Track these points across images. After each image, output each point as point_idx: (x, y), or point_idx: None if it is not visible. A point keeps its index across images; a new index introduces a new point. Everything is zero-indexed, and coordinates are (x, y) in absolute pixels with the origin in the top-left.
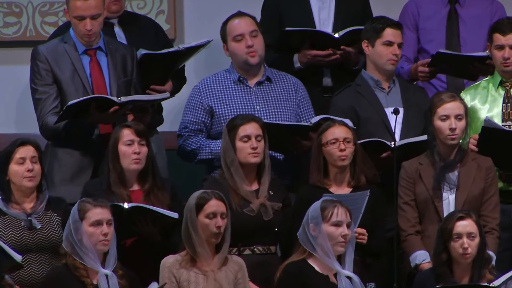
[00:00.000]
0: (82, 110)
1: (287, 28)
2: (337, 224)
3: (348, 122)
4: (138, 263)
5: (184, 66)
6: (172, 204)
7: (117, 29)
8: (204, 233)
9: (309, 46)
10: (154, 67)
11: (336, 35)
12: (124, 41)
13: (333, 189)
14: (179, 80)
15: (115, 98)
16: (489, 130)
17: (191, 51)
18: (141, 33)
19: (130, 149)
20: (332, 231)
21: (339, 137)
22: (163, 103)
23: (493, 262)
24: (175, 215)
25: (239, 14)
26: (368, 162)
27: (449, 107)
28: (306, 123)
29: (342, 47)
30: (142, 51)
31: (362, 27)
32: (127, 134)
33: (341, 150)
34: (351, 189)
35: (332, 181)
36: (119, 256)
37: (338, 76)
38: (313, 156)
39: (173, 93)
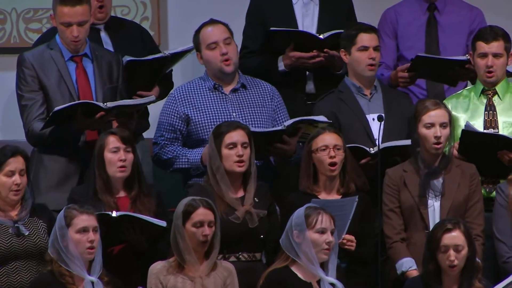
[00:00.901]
0: (68, 116)
1: (272, 28)
2: (322, 231)
3: (323, 118)
4: (125, 270)
5: (172, 71)
6: (158, 211)
7: (103, 35)
8: (191, 241)
9: (293, 49)
10: (140, 73)
11: (321, 36)
12: (110, 47)
13: (323, 196)
14: (166, 86)
15: (101, 104)
16: (468, 134)
17: (176, 56)
18: (127, 38)
19: (115, 157)
20: (317, 238)
21: (329, 144)
22: (149, 109)
23: None
24: (163, 223)
25: (212, 21)
26: (357, 170)
27: (434, 115)
28: (280, 127)
29: (325, 49)
30: (127, 58)
31: None
32: (112, 141)
33: (331, 157)
34: (340, 196)
35: (322, 188)
36: (107, 263)
37: (321, 83)
38: (303, 163)
39: (160, 98)
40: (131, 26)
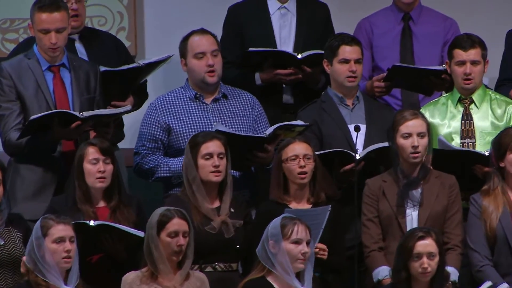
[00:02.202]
0: (45, 125)
1: (250, 49)
2: (297, 242)
3: (301, 122)
4: (103, 279)
5: (146, 81)
6: (138, 221)
7: (78, 45)
8: (165, 251)
9: (271, 64)
10: (114, 83)
11: (299, 56)
12: (85, 57)
13: (293, 205)
14: (141, 95)
15: (77, 113)
16: (441, 151)
17: (151, 66)
18: (102, 48)
19: (94, 168)
20: (292, 248)
21: (299, 153)
22: (124, 119)
23: (456, 279)
24: (140, 233)
25: (202, 31)
26: (328, 179)
27: (411, 125)
28: (262, 135)
29: (302, 66)
30: (102, 68)
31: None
32: (92, 152)
33: (301, 167)
34: (310, 206)
35: (292, 198)
36: (85, 272)
37: (299, 93)
38: (273, 172)
39: (135, 108)
40: (106, 37)
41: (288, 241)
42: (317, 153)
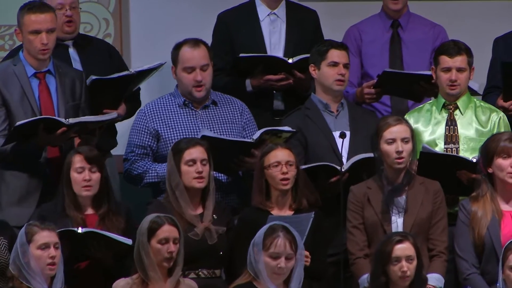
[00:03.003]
0: (30, 132)
1: (241, 55)
2: (274, 256)
3: (288, 128)
4: (91, 286)
5: (139, 89)
6: (126, 229)
7: (72, 51)
8: (156, 257)
9: (262, 70)
10: (106, 91)
11: (290, 61)
12: (78, 63)
13: (275, 212)
14: (134, 103)
15: (63, 119)
16: (427, 156)
17: (143, 74)
18: (96, 55)
19: (80, 176)
20: (268, 262)
21: (281, 160)
22: (117, 127)
23: (442, 286)
24: (128, 241)
25: (194, 43)
26: (310, 186)
27: (395, 131)
28: (248, 140)
29: (293, 70)
30: (93, 77)
31: None
32: (78, 160)
33: (283, 173)
34: (292, 212)
35: (274, 204)
36: (73, 279)
37: (290, 99)
38: (255, 179)
39: (128, 116)
40: (100, 44)
41: (266, 253)
42: (302, 167)
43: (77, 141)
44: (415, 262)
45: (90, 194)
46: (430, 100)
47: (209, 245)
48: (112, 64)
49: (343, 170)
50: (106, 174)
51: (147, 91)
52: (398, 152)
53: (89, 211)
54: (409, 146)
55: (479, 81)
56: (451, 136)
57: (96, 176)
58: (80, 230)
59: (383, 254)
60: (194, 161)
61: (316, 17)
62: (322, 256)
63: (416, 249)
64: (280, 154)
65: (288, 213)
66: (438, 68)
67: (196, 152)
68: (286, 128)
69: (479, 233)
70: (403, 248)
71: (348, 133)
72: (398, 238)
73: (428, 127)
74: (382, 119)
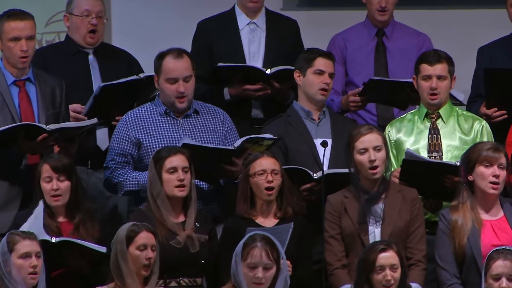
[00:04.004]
0: (10, 139)
1: (219, 64)
2: (251, 267)
3: (269, 135)
4: None
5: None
6: (101, 237)
7: (91, 58)
8: (134, 265)
9: (240, 80)
10: (117, 98)
11: (268, 71)
12: (97, 71)
13: (260, 220)
14: None
15: (44, 126)
16: (409, 163)
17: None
18: (115, 64)
19: (48, 186)
20: (246, 272)
21: (267, 168)
22: None
23: None
24: (103, 249)
25: (178, 54)
26: (295, 194)
27: (367, 140)
28: (229, 147)
29: (271, 80)
30: (101, 84)
31: (293, 67)
32: (45, 170)
33: (268, 182)
34: (277, 220)
35: (259, 212)
36: (50, 287)
37: (269, 108)
38: (240, 187)
39: None
40: (120, 53)
41: (244, 264)
42: None
43: (56, 149)
44: (399, 271)
45: (60, 203)
46: (414, 109)
47: (191, 253)
48: (131, 74)
49: (315, 177)
50: (77, 182)
51: None
52: (371, 161)
53: (63, 219)
54: (381, 154)
55: (463, 90)
56: (434, 145)
57: (65, 185)
58: (54, 239)
59: (366, 263)
60: (175, 169)
61: (296, 26)
62: (306, 264)
63: (400, 258)
64: (266, 163)
65: (273, 221)
66: (419, 76)
67: (178, 160)
68: (268, 135)
69: (459, 243)
70: (387, 257)
71: (329, 141)
72: (382, 247)
73: (411, 136)
74: (354, 129)
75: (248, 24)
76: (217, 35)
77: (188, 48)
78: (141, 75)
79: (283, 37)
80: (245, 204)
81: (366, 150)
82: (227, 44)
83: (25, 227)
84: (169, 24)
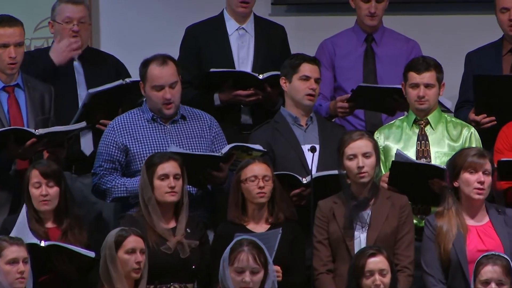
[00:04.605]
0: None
1: (211, 70)
2: (238, 271)
3: (259, 147)
4: None
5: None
6: (90, 242)
7: (77, 64)
8: (123, 269)
9: (231, 85)
10: (102, 102)
11: (260, 76)
12: (82, 77)
13: (251, 226)
14: None
15: (32, 130)
16: (398, 164)
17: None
18: (101, 69)
19: (37, 191)
20: (233, 277)
21: (258, 174)
22: None
23: None
24: (91, 254)
25: (163, 60)
26: (286, 200)
27: (356, 146)
28: (217, 154)
29: (264, 84)
30: (89, 91)
31: None
32: (34, 175)
33: (260, 188)
34: (269, 226)
35: (250, 218)
36: None
37: (258, 114)
38: (231, 192)
39: None
40: (108, 59)
41: (232, 268)
42: None
43: (46, 154)
44: (389, 276)
45: (49, 208)
46: (402, 116)
47: (181, 259)
48: (119, 79)
49: (304, 182)
50: (66, 187)
51: None
52: (359, 168)
53: (51, 224)
54: (371, 161)
55: (451, 95)
56: (423, 151)
57: (54, 190)
58: (43, 243)
59: (356, 268)
60: (167, 176)
61: (284, 32)
62: (299, 269)
63: (389, 263)
64: (257, 168)
65: (264, 227)
66: (407, 84)
67: (169, 167)
68: (258, 146)
69: (445, 248)
70: (376, 262)
71: (317, 147)
72: (371, 252)
73: (399, 143)
74: (344, 135)
75: (237, 29)
76: (205, 40)
77: (177, 53)
78: (127, 80)
79: (271, 43)
80: (236, 210)
81: (355, 156)
82: (216, 50)
83: (13, 234)
84: (158, 29)
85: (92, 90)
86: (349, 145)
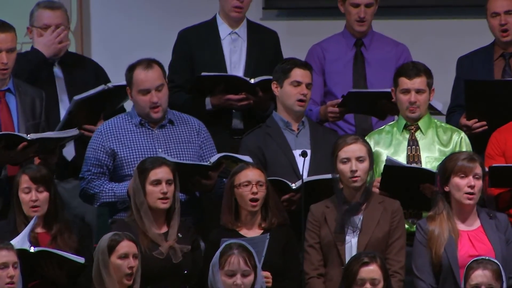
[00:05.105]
0: None
1: (203, 74)
2: (229, 274)
3: (248, 159)
4: None
5: (123, 107)
6: (79, 247)
7: (56, 69)
8: (116, 274)
9: (222, 89)
10: (85, 108)
11: (252, 81)
12: (62, 81)
13: (244, 232)
14: None
15: (24, 135)
16: (391, 169)
17: (122, 90)
18: (81, 74)
19: (27, 197)
20: (225, 280)
21: (252, 180)
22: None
23: None
24: (81, 259)
25: (148, 64)
26: (279, 205)
27: (350, 150)
28: (205, 163)
29: (256, 88)
30: (75, 98)
31: None
32: (24, 181)
33: (253, 193)
34: (262, 231)
35: (243, 223)
36: None
37: (249, 118)
38: (225, 197)
39: None
40: (88, 63)
41: (222, 272)
42: None
43: (37, 161)
44: (380, 285)
45: (39, 213)
46: (392, 120)
47: (173, 264)
48: (98, 84)
49: (294, 187)
50: (55, 193)
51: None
52: (352, 172)
53: (41, 229)
54: (364, 165)
55: (442, 100)
56: (413, 156)
57: (44, 196)
58: (32, 249)
59: (349, 274)
60: (159, 182)
61: (277, 37)
62: (292, 274)
63: (383, 271)
64: (251, 174)
65: (257, 232)
66: (397, 89)
67: (162, 173)
68: (246, 158)
69: (436, 253)
70: (369, 271)
71: (308, 152)
72: (366, 260)
73: (389, 148)
74: (339, 138)
75: (229, 34)
76: (198, 45)
77: (168, 58)
78: (109, 84)
79: (263, 48)
80: (229, 215)
81: (348, 159)
82: (209, 54)
83: (17, 238)
84: (149, 34)
85: (77, 97)
86: (343, 149)
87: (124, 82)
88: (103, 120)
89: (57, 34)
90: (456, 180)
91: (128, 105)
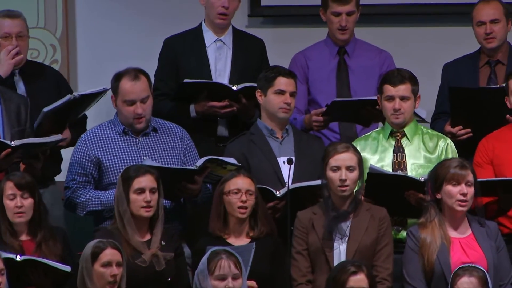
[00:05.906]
0: None
1: (185, 80)
2: (221, 278)
3: (233, 161)
4: None
5: (86, 117)
6: (64, 255)
7: (17, 78)
8: (99, 282)
9: (206, 96)
10: (52, 117)
11: (235, 88)
12: (23, 91)
13: (231, 240)
14: (79, 129)
15: (8, 142)
16: (374, 176)
17: (87, 99)
18: (43, 84)
19: (12, 203)
20: (216, 284)
21: (241, 188)
22: (62, 153)
23: None
24: (67, 268)
25: (135, 75)
26: (268, 215)
27: (341, 158)
28: (191, 167)
29: (239, 95)
30: (44, 110)
31: None
32: (9, 187)
33: (242, 201)
34: (249, 240)
35: (231, 231)
36: None
37: (234, 126)
38: (214, 204)
39: (73, 142)
40: (48, 72)
41: (212, 277)
42: None
43: (22, 166)
44: None
45: (24, 220)
46: (377, 127)
47: (156, 271)
48: (59, 93)
49: (278, 195)
50: (40, 199)
51: (94, 116)
52: (341, 180)
53: (25, 237)
54: (354, 175)
55: (427, 107)
56: (399, 163)
57: (28, 202)
58: (18, 258)
59: (336, 283)
60: (142, 190)
61: (263, 45)
62: (279, 282)
63: (370, 280)
64: (241, 182)
65: (245, 240)
66: (382, 97)
67: (146, 181)
68: (232, 160)
69: (428, 260)
70: (357, 280)
71: (293, 159)
72: (353, 270)
73: (375, 154)
74: (330, 145)
75: (215, 41)
76: (183, 52)
77: (154, 66)
78: (75, 94)
79: (249, 56)
80: (218, 222)
81: (338, 168)
82: (194, 61)
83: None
84: (135, 42)
85: (46, 109)
86: (334, 157)
87: (89, 91)
88: (68, 129)
89: (7, 51)
90: (449, 187)
91: (97, 112)
